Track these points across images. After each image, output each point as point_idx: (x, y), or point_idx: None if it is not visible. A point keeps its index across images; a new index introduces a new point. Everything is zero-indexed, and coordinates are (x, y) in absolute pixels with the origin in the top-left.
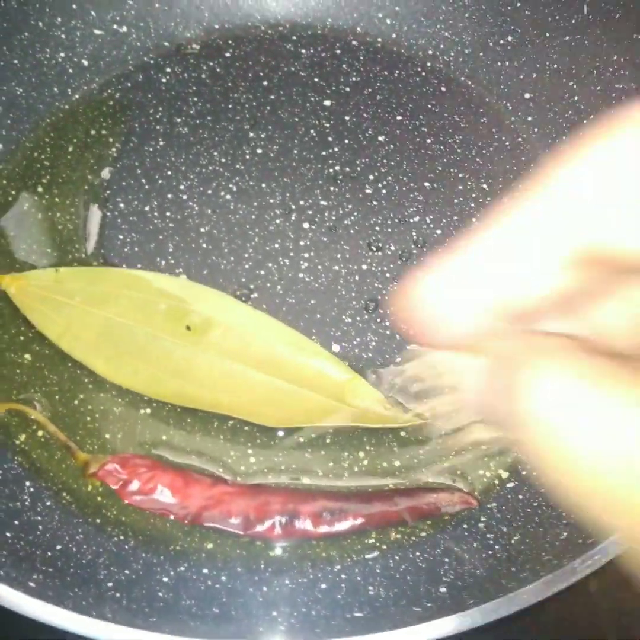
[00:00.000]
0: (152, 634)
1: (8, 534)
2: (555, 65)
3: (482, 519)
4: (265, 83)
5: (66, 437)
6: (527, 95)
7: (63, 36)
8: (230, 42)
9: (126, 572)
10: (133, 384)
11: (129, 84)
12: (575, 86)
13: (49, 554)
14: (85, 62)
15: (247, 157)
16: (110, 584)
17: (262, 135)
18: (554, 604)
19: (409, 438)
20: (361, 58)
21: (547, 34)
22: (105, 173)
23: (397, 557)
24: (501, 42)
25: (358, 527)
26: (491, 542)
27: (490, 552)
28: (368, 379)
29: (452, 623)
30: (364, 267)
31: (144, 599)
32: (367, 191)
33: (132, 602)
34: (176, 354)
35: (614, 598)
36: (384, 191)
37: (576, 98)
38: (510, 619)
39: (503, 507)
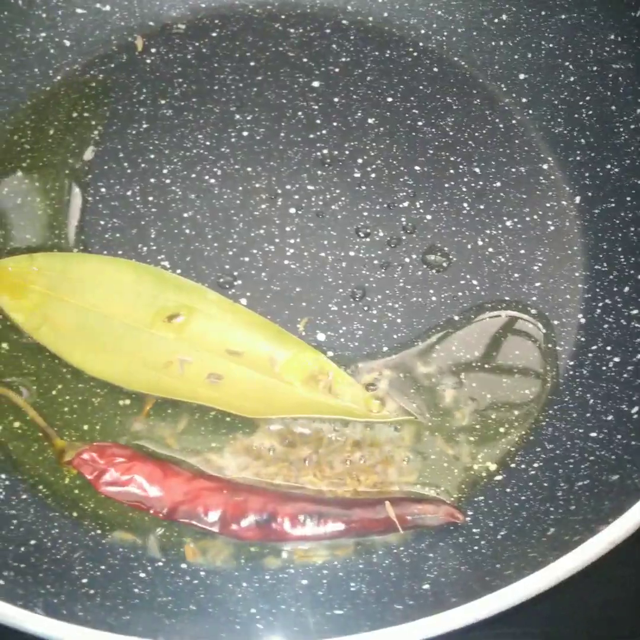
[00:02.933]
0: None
1: None
2: (551, 45)
3: (469, 512)
4: (252, 64)
5: (45, 423)
6: (521, 76)
7: (44, 15)
8: (217, 21)
9: (102, 567)
10: (111, 376)
11: (112, 65)
12: (571, 66)
13: (22, 549)
14: (67, 43)
15: (233, 140)
16: (84, 580)
17: (248, 118)
18: (542, 601)
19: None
20: (351, 38)
21: (543, 12)
22: (87, 156)
23: (380, 553)
24: (495, 20)
25: (337, 533)
26: (477, 537)
27: (475, 548)
28: (353, 370)
29: (434, 623)
30: (352, 253)
31: (119, 596)
32: (356, 175)
33: (107, 599)
34: (155, 345)
35: (601, 596)
36: (373, 175)
37: (572, 79)
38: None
39: (490, 501)
